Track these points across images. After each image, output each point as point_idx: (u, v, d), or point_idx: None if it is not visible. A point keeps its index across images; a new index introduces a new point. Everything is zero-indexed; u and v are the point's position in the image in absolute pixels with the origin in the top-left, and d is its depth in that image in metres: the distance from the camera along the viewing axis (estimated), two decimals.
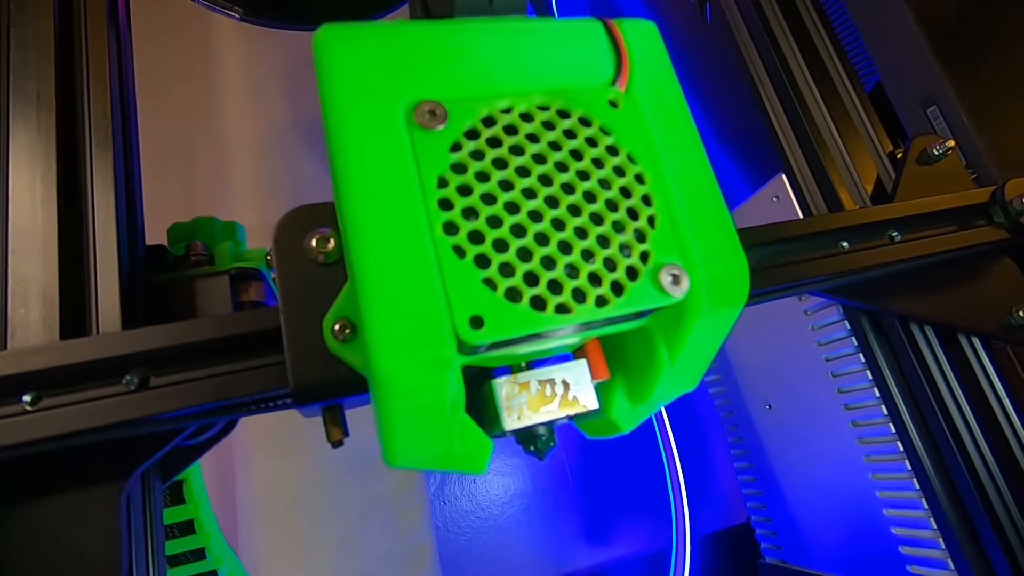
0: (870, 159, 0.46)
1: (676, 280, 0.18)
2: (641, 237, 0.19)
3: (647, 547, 0.80)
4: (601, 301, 0.18)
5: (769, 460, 0.58)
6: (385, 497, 0.71)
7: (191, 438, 0.32)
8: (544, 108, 0.20)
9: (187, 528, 0.44)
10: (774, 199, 0.49)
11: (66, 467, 0.26)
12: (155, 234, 0.36)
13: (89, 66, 0.34)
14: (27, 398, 0.24)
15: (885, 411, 0.44)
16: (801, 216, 0.48)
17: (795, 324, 0.51)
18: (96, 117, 0.33)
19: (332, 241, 0.26)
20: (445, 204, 0.18)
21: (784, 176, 0.49)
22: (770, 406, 0.56)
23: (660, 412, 0.81)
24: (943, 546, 0.42)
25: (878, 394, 0.44)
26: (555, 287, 0.18)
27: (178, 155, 0.79)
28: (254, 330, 0.26)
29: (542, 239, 0.18)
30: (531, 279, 0.18)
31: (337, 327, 0.25)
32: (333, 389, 0.25)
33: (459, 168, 0.18)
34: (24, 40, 0.33)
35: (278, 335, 0.25)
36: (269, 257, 0.38)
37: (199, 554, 0.44)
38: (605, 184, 0.19)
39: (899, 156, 0.46)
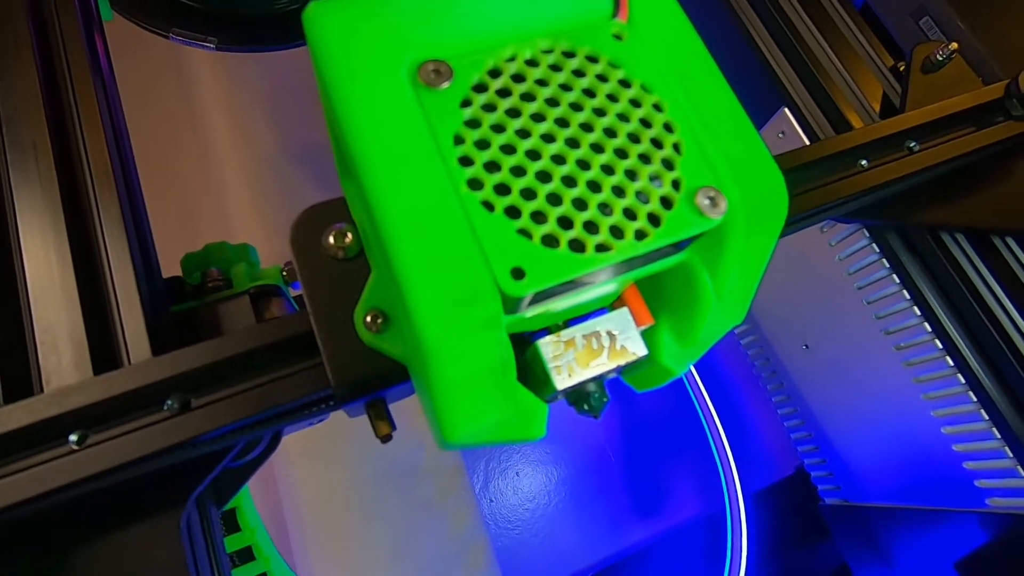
0: (873, 76, 0.45)
1: (714, 202, 0.18)
2: (669, 165, 0.18)
3: (700, 511, 0.80)
4: (640, 235, 0.17)
5: (814, 401, 0.57)
6: (431, 502, 0.71)
7: (238, 458, 0.32)
8: (548, 51, 0.19)
9: (246, 555, 0.44)
10: (780, 135, 0.48)
11: (121, 501, 0.26)
12: (163, 270, 0.36)
13: (79, 109, 0.34)
14: (73, 437, 0.24)
15: (928, 328, 0.43)
16: None
17: (821, 258, 0.50)
18: (94, 158, 0.33)
19: (349, 235, 0.26)
20: (465, 161, 0.17)
21: (787, 110, 0.48)
22: (807, 346, 0.55)
23: (692, 376, 0.80)
24: (1011, 454, 0.41)
25: (919, 312, 0.43)
26: (591, 227, 0.17)
27: (171, 195, 0.79)
28: (286, 336, 0.26)
29: (569, 182, 0.17)
30: (565, 223, 0.17)
31: (369, 318, 0.24)
32: (374, 382, 0.25)
33: (473, 123, 0.18)
34: (11, 91, 0.33)
35: (311, 338, 0.25)
36: (285, 272, 0.38)
37: None
38: (623, 118, 0.19)
39: (901, 69, 0.44)
